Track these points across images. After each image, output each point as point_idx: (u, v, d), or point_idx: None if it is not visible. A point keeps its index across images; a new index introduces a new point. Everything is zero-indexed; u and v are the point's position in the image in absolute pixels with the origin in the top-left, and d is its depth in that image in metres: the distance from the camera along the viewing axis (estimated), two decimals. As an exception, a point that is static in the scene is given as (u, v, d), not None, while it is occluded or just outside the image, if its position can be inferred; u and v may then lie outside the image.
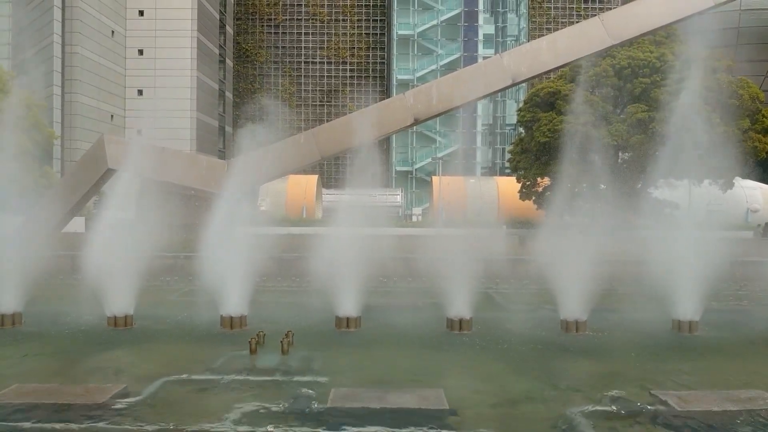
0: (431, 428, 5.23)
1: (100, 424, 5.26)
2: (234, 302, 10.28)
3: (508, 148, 45.55)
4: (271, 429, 5.18)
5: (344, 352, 8.18)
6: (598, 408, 5.82)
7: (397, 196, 57.91)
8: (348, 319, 9.23)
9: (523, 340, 8.87)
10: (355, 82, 76.65)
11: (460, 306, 9.49)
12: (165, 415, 5.53)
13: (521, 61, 18.80)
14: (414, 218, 53.94)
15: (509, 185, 43.94)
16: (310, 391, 6.28)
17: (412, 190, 69.54)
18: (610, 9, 45.09)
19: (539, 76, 21.17)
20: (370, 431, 5.14)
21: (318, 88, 76.46)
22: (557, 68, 20.86)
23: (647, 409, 5.77)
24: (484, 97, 20.61)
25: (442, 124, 68.42)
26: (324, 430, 5.21)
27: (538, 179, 35.43)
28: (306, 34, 76.85)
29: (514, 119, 68.00)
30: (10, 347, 8.46)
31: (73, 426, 5.21)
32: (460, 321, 9.11)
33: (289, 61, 76.66)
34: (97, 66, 54.42)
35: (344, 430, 5.21)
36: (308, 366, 7.31)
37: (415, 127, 35.08)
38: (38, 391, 6.00)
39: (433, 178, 51.70)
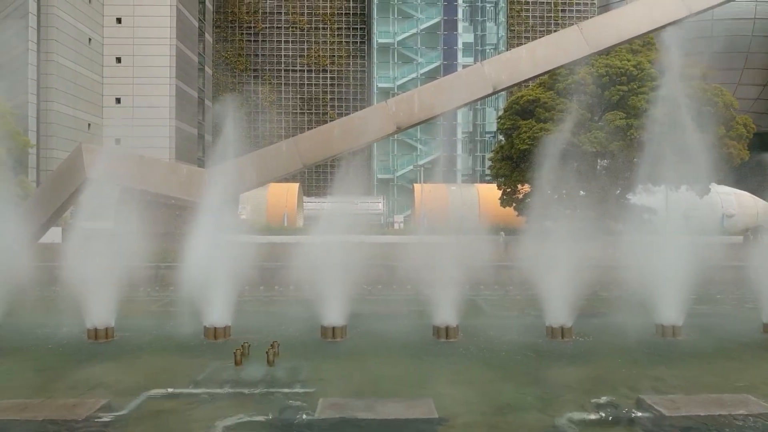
0: (421, 438, 5.19)
1: (83, 441, 5.12)
2: (217, 312, 10.16)
3: (489, 155, 45.86)
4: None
5: (331, 362, 8.10)
6: (588, 415, 5.82)
7: (379, 204, 57.93)
8: (334, 328, 9.14)
9: (510, 347, 8.88)
10: (336, 90, 76.72)
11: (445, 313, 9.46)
12: (149, 431, 5.41)
13: (502, 69, 18.95)
14: (396, 226, 53.93)
15: (490, 192, 44.21)
16: (298, 402, 6.20)
17: (393, 197, 69.63)
18: (588, 18, 45.78)
19: (519, 84, 21.37)
20: (360, 442, 5.08)
21: (298, 96, 76.33)
22: (537, 76, 21.09)
23: (637, 415, 5.79)
24: (466, 105, 20.72)
25: (423, 132, 68.73)
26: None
27: (519, 186, 35.71)
28: (286, 42, 76.79)
29: (493, 127, 68.59)
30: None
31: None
32: (447, 329, 9.08)
33: (269, 69, 76.49)
34: (73, 74, 53.69)
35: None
36: (295, 377, 7.22)
37: (396, 135, 35.13)
38: (17, 407, 5.81)
39: (415, 185, 51.79)
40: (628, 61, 32.82)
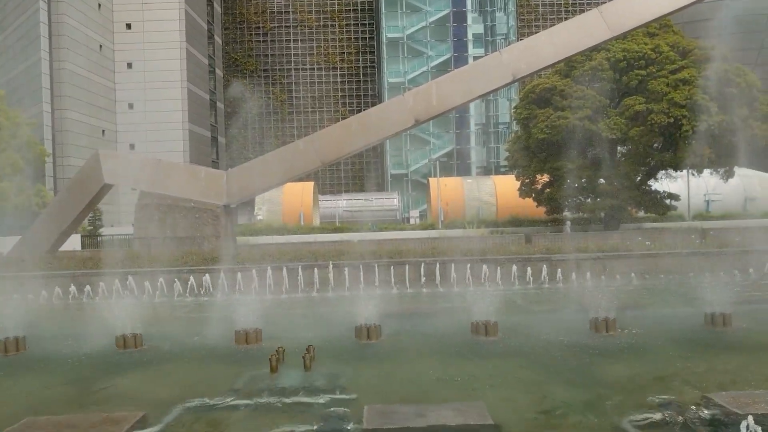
0: (479, 447, 4.88)
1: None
2: (247, 316, 9.91)
3: (505, 146, 45.32)
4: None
5: (369, 364, 7.81)
6: (652, 416, 5.47)
7: (394, 200, 57.59)
8: (368, 328, 8.85)
9: (553, 344, 8.53)
10: (347, 86, 76.46)
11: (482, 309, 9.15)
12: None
13: (521, 57, 18.55)
14: (412, 221, 53.58)
15: (507, 184, 43.69)
16: (341, 410, 5.92)
17: (408, 192, 69.31)
18: (600, 4, 44.90)
19: (539, 71, 20.92)
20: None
21: (309, 95, 76.15)
22: (557, 63, 20.63)
23: (704, 414, 5.42)
24: (485, 95, 20.33)
25: (436, 126, 68.26)
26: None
27: (537, 176, 35.21)
28: (295, 40, 76.61)
29: (507, 117, 68.00)
30: (17, 376, 8.04)
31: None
32: (486, 325, 8.75)
33: (279, 69, 76.39)
34: (86, 81, 53.89)
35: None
36: (334, 382, 6.93)
37: (408, 130, 34.75)
38: (52, 425, 5.58)
39: (430, 179, 51.36)
40: (646, 44, 32.16)
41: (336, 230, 39.19)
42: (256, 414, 5.95)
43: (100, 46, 56.63)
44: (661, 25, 33.35)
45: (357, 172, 75.71)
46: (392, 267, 15.08)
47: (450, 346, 8.67)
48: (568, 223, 33.70)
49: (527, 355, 8.00)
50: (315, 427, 5.46)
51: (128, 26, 58.84)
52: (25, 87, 49.99)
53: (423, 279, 15.13)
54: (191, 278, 14.73)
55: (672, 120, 30.32)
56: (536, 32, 49.19)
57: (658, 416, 5.48)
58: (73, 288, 14.91)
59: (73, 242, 28.62)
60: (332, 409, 5.96)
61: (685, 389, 4.71)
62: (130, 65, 58.69)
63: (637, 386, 6.47)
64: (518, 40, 59.78)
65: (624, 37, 27.16)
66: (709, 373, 6.58)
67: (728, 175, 33.68)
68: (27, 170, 41.90)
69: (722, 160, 32.06)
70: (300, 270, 14.79)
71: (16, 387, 7.51)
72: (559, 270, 14.86)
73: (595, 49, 27.02)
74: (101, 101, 56.32)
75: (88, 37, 54.35)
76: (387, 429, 5.26)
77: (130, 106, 58.57)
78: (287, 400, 6.29)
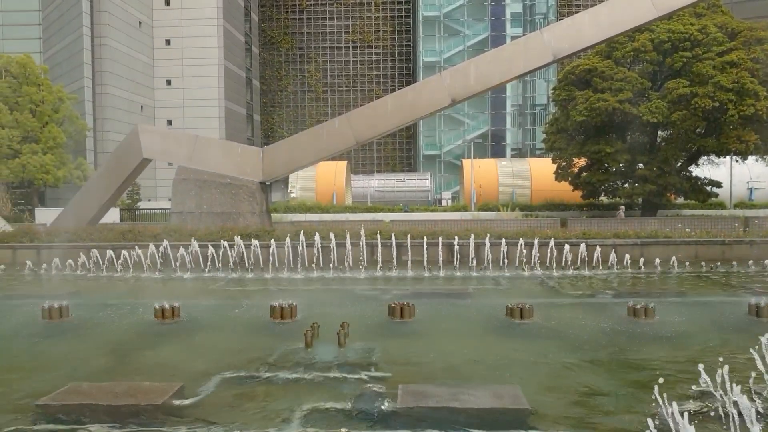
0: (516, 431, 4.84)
1: (163, 429, 4.96)
2: (282, 291, 9.96)
3: (543, 128, 44.58)
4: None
5: (403, 343, 7.80)
6: (694, 404, 5.34)
7: (426, 181, 57.33)
8: (402, 307, 8.84)
9: (590, 328, 8.41)
10: (381, 65, 76.00)
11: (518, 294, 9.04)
12: (227, 418, 5.22)
13: (563, 36, 18.11)
14: (444, 202, 53.27)
15: (542, 167, 43.03)
16: (375, 388, 5.92)
17: (440, 173, 68.81)
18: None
19: (581, 51, 20.43)
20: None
21: (344, 74, 75.99)
22: (600, 43, 20.10)
23: (747, 403, 5.25)
24: (524, 75, 19.95)
25: (471, 106, 67.47)
26: (399, 431, 4.86)
27: (575, 159, 34.59)
28: (330, 18, 76.28)
29: (544, 99, 66.80)
30: (61, 342, 8.29)
31: (134, 430, 4.93)
32: (521, 309, 8.66)
33: (315, 47, 76.27)
34: (125, 57, 54.74)
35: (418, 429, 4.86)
36: (368, 359, 6.95)
37: (445, 110, 34.37)
38: (93, 392, 5.73)
39: (464, 161, 50.88)
40: (692, 25, 31.07)
41: (368, 210, 39.34)
42: (291, 388, 6.01)
43: (140, 23, 57.35)
44: (710, 4, 32.15)
45: (390, 152, 75.52)
46: (425, 248, 15.02)
47: (484, 329, 8.62)
48: (622, 207, 33.02)
49: (563, 339, 7.90)
50: (350, 405, 5.48)
51: (167, 3, 59.42)
52: (67, 63, 51.05)
53: (456, 261, 15.05)
54: (229, 252, 14.92)
55: (717, 104, 29.35)
56: (576, 12, 48.09)
57: (697, 405, 5.36)
58: (111, 257, 15.27)
59: (112, 215, 29.32)
60: (366, 386, 5.98)
61: (726, 379, 4.57)
62: (168, 42, 59.38)
63: (675, 373, 6.33)
64: (558, 19, 58.39)
65: (670, 17, 26.28)
66: (750, 363, 6.36)
67: (775, 162, 32.56)
68: (68, 144, 43.02)
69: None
70: (334, 248, 14.86)
71: (59, 353, 7.74)
72: (596, 254, 14.61)
73: (639, 29, 26.23)
74: (140, 77, 57.20)
75: (128, 14, 55.07)
76: (421, 408, 5.25)
77: (168, 82, 59.37)
78: (322, 376, 6.33)
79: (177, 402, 5.53)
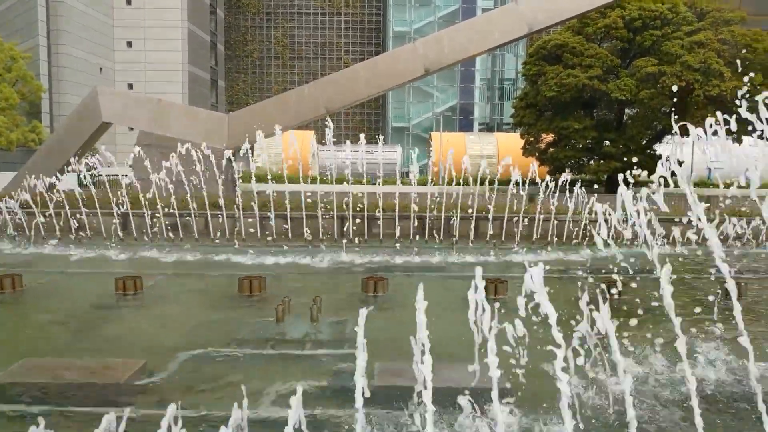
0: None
1: (124, 408, 4.65)
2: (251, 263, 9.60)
3: (511, 102, 44.55)
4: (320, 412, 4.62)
5: (377, 318, 7.59)
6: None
7: (395, 153, 56.95)
8: (376, 282, 8.62)
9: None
10: (350, 34, 74.63)
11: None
12: (193, 397, 4.93)
13: (538, 8, 17.84)
14: (411, 175, 53.13)
15: (510, 141, 43.12)
16: (350, 365, 5.70)
17: (408, 146, 68.39)
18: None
19: (557, 24, 20.24)
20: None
21: (312, 41, 74.37)
22: (576, 17, 19.93)
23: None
24: (499, 47, 19.67)
25: (440, 79, 66.92)
26: (376, 409, 4.65)
27: (542, 135, 34.66)
28: (299, -17, 74.30)
29: (512, 74, 66.71)
30: (14, 314, 7.83)
31: (93, 410, 4.59)
32: (496, 284, 8.52)
33: (282, 12, 74.30)
34: (84, 16, 52.28)
35: (395, 409, 4.67)
36: (342, 335, 6.73)
37: (417, 80, 33.98)
38: (50, 367, 5.36)
39: (433, 134, 50.67)
40: (663, 3, 31.16)
41: (338, 182, 38.82)
42: (262, 367, 5.75)
43: (98, -20, 54.79)
44: (680, -17, 32.25)
45: (358, 123, 74.65)
46: (396, 221, 14.82)
47: (459, 302, 8.47)
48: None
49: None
50: (325, 383, 5.26)
51: (127, -40, 56.89)
52: (20, 19, 48.54)
53: (426, 234, 14.90)
54: (192, 222, 14.44)
55: (684, 84, 29.63)
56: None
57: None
58: (72, 228, 14.64)
59: (70, 181, 28.18)
60: (341, 364, 5.76)
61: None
62: (129, 1, 56.94)
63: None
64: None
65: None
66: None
67: (736, 142, 33.21)
68: (22, 106, 41.11)
69: (732, 128, 31.56)
70: (304, 220, 14.52)
71: (12, 326, 7.30)
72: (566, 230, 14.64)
73: (611, 5, 26.18)
74: (99, 38, 54.82)
75: (85, -30, 52.51)
76: (399, 387, 5.06)
77: (129, 44, 57.08)
78: (295, 353, 6.08)
79: (140, 381, 5.22)
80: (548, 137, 34.10)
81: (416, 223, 15.06)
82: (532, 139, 34.43)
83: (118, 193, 15.51)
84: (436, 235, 15.12)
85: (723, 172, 32.89)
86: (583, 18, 29.07)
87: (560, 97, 30.47)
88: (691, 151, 38.45)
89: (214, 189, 15.48)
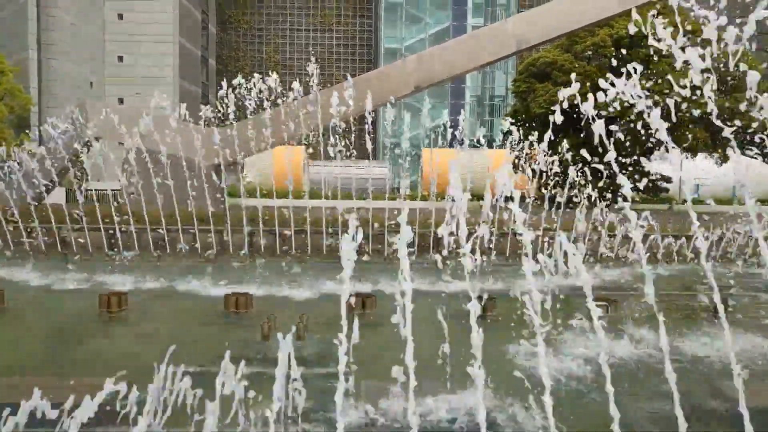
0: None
1: (98, 430, 4.52)
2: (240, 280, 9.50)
3: (502, 119, 44.88)
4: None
5: (364, 335, 7.49)
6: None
7: (385, 168, 57.08)
8: (363, 299, 8.55)
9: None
10: (342, 50, 75.03)
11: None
12: (176, 422, 4.80)
13: (527, 26, 18.04)
14: (401, 191, 53.16)
15: (501, 158, 43.33)
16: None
17: (398, 162, 68.60)
18: (608, -23, 43.23)
19: (546, 42, 20.43)
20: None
21: (303, 57, 74.62)
22: (565, 35, 20.14)
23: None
24: (489, 64, 19.83)
25: (431, 96, 67.18)
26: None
27: (533, 152, 34.78)
28: (291, 0, 74.73)
29: (503, 91, 67.26)
30: (-6, 331, 7.70)
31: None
32: (485, 303, 8.45)
33: (274, 29, 74.63)
34: (74, 30, 52.27)
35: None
36: (328, 354, 6.63)
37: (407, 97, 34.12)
38: (24, 386, 5.22)
39: (424, 150, 50.84)
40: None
41: (327, 198, 38.76)
42: (249, 386, 5.63)
43: (90, -5, 54.83)
44: (665, 4, 32.69)
45: (348, 139, 74.77)
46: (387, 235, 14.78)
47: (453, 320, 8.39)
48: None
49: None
50: (312, 404, 5.16)
51: (119, -25, 56.97)
52: (11, 32, 48.43)
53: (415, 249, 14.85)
54: (181, 237, 14.33)
55: (672, 101, 29.89)
56: (537, 4, 48.01)
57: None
58: (58, 242, 14.48)
59: (58, 195, 27.97)
60: (329, 383, 5.66)
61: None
62: (120, 16, 56.97)
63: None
64: (519, 11, 58.72)
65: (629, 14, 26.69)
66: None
67: (722, 159, 33.63)
68: (10, 119, 40.82)
69: (718, 145, 31.89)
70: (293, 235, 14.45)
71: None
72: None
73: (600, 24, 26.47)
74: (90, 52, 54.76)
75: (77, -16, 52.55)
76: (386, 408, 5.00)
77: (120, 58, 57.03)
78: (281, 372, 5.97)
79: (122, 398, 5.09)
80: (537, 153, 34.29)
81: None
82: (520, 154, 34.61)
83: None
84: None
85: (708, 188, 32.80)
86: (571, 36, 29.39)
87: (549, 113, 30.71)
88: (680, 167, 38.84)
89: (203, 203, 15.42)
